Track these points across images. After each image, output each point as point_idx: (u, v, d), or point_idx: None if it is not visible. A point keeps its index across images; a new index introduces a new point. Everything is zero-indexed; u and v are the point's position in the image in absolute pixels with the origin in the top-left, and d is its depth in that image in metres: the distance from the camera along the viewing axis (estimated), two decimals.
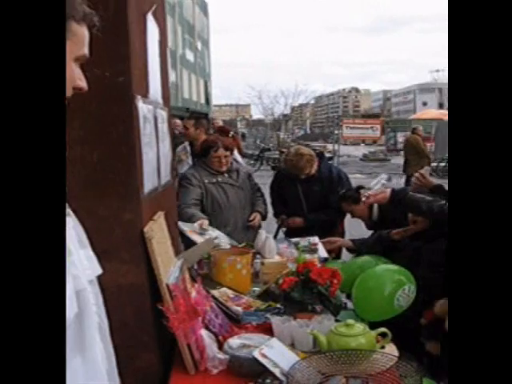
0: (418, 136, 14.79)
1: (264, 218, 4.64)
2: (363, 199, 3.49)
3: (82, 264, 1.22)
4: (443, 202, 3.07)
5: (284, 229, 5.04)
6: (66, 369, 1.07)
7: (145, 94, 2.02)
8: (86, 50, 1.17)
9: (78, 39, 1.12)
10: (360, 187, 3.95)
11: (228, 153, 4.33)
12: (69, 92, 1.12)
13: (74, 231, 1.18)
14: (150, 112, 2.05)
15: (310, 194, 4.74)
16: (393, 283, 2.88)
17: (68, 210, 1.17)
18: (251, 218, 4.43)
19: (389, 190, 3.37)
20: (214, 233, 3.65)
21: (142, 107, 1.92)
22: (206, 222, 3.88)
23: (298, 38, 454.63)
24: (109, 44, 1.78)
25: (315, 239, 3.95)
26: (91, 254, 1.33)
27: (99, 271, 1.41)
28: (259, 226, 4.54)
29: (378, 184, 3.59)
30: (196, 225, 3.65)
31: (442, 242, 3.29)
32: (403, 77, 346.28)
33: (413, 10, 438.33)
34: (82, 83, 1.17)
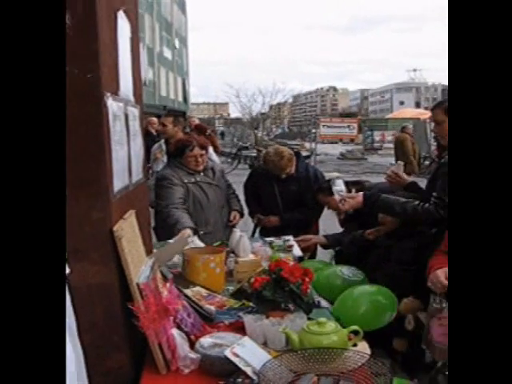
0: (406, 134, 14.86)
1: (242, 215, 4.67)
2: (339, 205, 3.48)
3: None
4: (417, 202, 3.09)
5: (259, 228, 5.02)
6: None
7: (115, 92, 2.00)
8: None
9: None
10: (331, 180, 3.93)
11: (203, 151, 4.31)
12: None
13: None
14: (120, 109, 2.03)
15: (286, 194, 4.72)
16: (368, 303, 2.94)
17: None
18: (231, 218, 4.44)
19: (361, 195, 3.37)
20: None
21: (112, 104, 1.90)
22: (188, 231, 3.83)
23: (273, 37, 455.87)
24: (78, 41, 1.75)
25: (290, 238, 3.95)
26: None
27: (66, 271, 1.40)
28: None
29: (342, 189, 3.60)
30: (172, 240, 3.57)
31: (412, 240, 3.33)
32: (380, 76, 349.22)
33: (387, 10, 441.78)
34: None
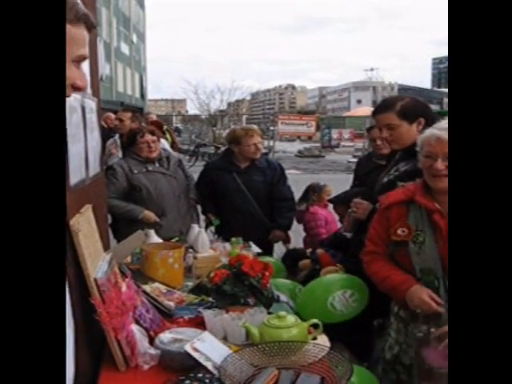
0: None
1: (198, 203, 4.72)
2: (353, 213, 3.27)
3: None
4: None
5: (212, 227, 4.76)
6: None
7: None
8: (83, 51, 1.21)
9: (72, 40, 1.15)
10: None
11: (155, 138, 4.30)
12: (68, 91, 1.19)
13: None
14: (76, 101, 1.98)
15: (252, 185, 4.54)
16: (329, 285, 2.90)
17: None
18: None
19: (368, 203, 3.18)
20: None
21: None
22: (153, 215, 4.19)
23: (222, 36, 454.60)
24: None
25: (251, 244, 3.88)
26: None
27: None
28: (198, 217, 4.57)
29: None
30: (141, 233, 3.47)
31: (363, 235, 3.36)
32: (331, 75, 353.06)
33: (330, 10, 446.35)
34: (81, 83, 1.22)
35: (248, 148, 4.48)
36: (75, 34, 1.17)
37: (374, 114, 3.07)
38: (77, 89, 1.22)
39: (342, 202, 3.94)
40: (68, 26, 1.14)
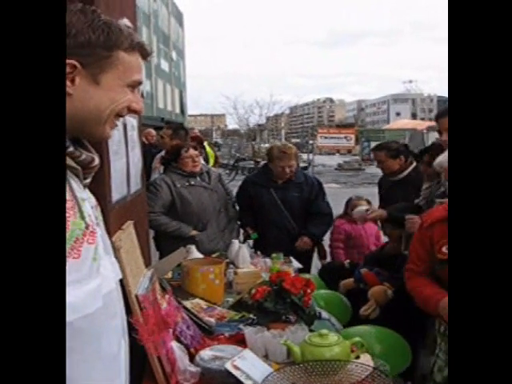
0: None
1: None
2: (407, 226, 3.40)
3: (106, 268, 1.28)
4: None
5: (250, 241, 4.66)
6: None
7: None
8: (138, 77, 1.26)
9: (127, 66, 1.22)
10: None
11: (197, 152, 4.38)
12: (124, 112, 1.26)
13: (101, 239, 1.26)
14: None
15: (289, 200, 4.56)
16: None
17: (98, 221, 1.30)
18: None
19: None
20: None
21: None
22: (194, 232, 4.19)
23: (256, 51, 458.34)
24: None
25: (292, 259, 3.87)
26: (114, 260, 1.40)
27: (120, 276, 1.41)
28: (238, 232, 4.58)
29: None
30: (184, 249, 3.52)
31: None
32: (367, 88, 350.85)
33: (363, 25, 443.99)
34: (137, 106, 1.28)
35: (277, 169, 4.55)
36: (130, 61, 1.23)
37: (437, 117, 3.10)
38: (133, 111, 1.27)
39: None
40: (123, 54, 1.21)
